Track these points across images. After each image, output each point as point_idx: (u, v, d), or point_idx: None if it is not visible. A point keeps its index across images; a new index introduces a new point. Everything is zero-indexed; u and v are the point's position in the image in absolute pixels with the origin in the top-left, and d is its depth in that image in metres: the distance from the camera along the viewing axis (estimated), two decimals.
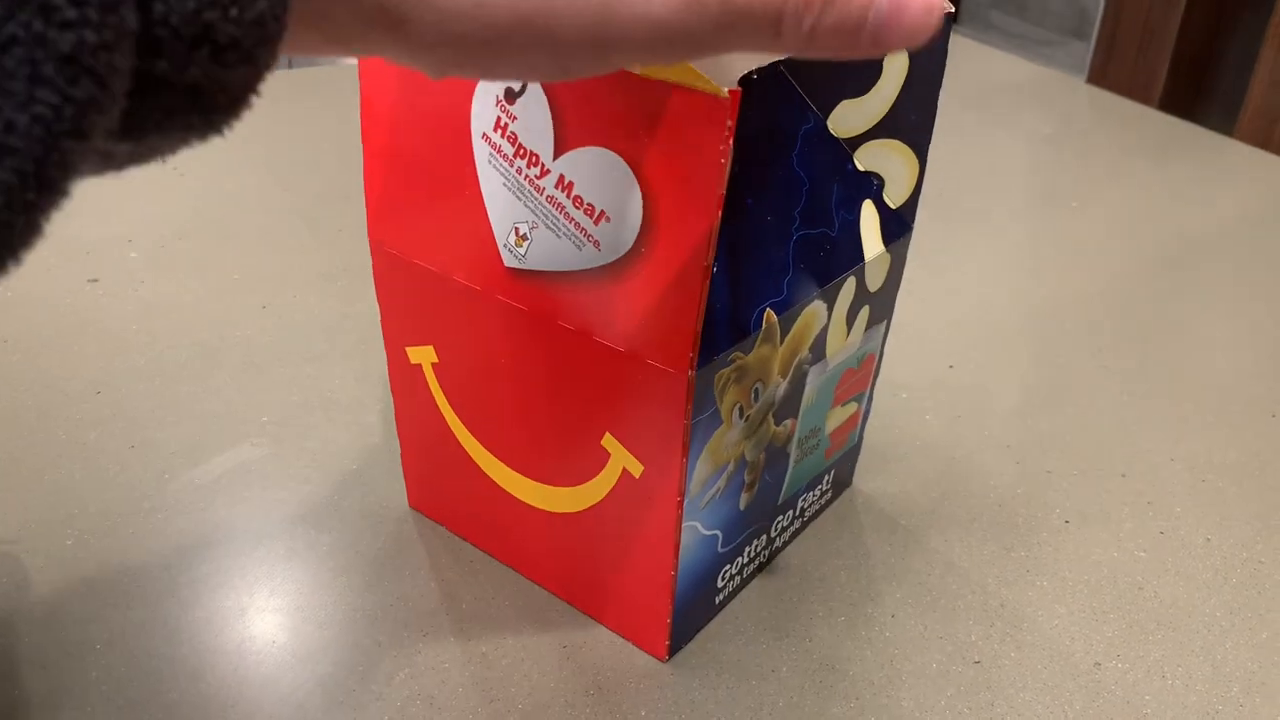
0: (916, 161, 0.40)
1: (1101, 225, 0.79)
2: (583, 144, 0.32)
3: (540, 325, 0.36)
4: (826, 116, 0.35)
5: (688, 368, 0.33)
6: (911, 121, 0.39)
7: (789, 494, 0.43)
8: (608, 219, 0.33)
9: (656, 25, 0.22)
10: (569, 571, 0.42)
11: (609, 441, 0.36)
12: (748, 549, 0.42)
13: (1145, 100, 1.58)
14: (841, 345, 0.41)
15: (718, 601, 0.42)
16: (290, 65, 2.05)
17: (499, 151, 0.34)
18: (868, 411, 0.47)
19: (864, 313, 0.41)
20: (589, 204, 0.33)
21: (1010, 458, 0.53)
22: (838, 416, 0.44)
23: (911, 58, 0.36)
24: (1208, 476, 0.52)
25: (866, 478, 0.50)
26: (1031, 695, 0.40)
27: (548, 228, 0.34)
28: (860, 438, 0.48)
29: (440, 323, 0.39)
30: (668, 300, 0.32)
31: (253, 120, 0.78)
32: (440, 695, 0.38)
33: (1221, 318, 0.67)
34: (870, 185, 0.38)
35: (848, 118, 0.36)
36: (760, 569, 0.44)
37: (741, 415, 0.36)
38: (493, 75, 0.22)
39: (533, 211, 0.34)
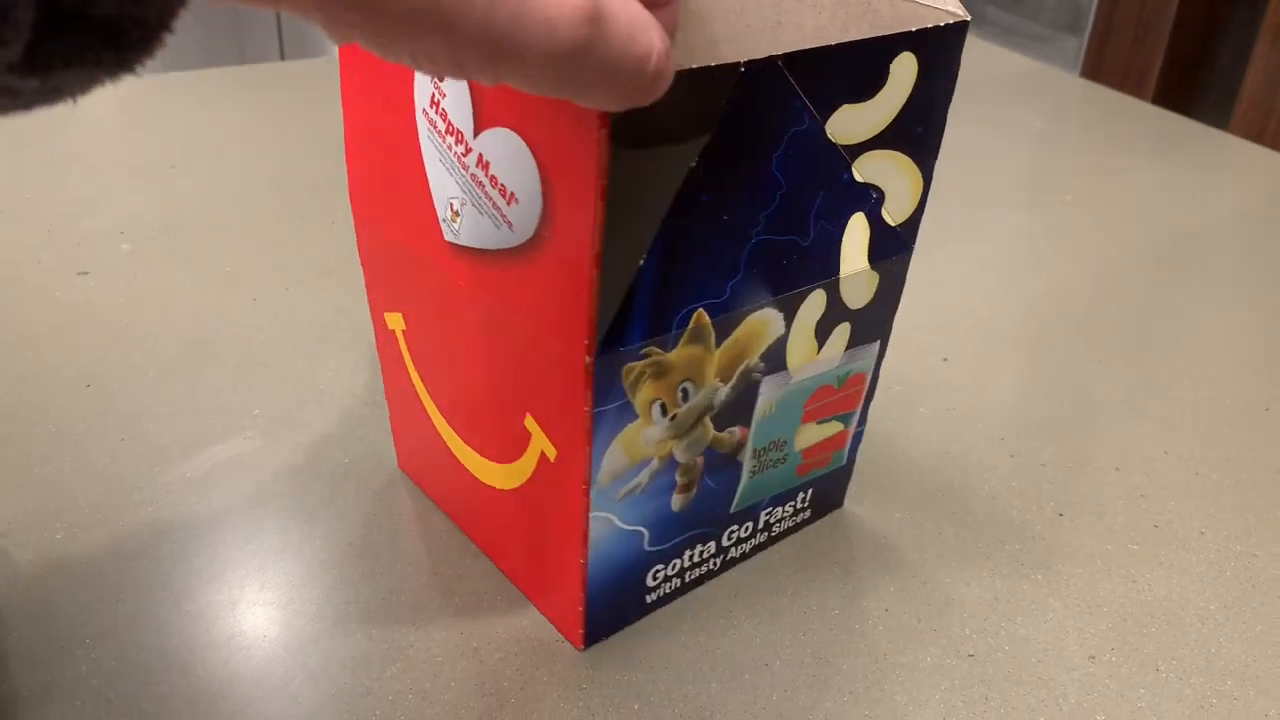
0: (920, 177, 0.38)
1: (1096, 219, 0.79)
2: (496, 124, 0.33)
3: (474, 301, 0.36)
4: (825, 120, 0.34)
5: (584, 354, 0.32)
6: (917, 134, 0.37)
7: (745, 504, 0.42)
8: (517, 201, 0.33)
9: (550, 55, 0.22)
10: (510, 549, 0.42)
11: (530, 423, 0.37)
12: (689, 553, 0.41)
13: (1139, 94, 1.59)
14: (809, 360, 0.40)
15: (649, 600, 0.41)
16: (283, 57, 2.05)
17: (434, 127, 0.35)
18: (860, 434, 0.45)
19: (842, 330, 0.40)
20: (502, 184, 0.33)
21: (1004, 450, 0.52)
22: (813, 434, 0.43)
23: (921, 67, 0.35)
24: (1202, 470, 0.52)
25: (861, 469, 0.50)
26: (1026, 689, 0.39)
27: (474, 205, 0.35)
28: (851, 459, 0.46)
29: (405, 291, 0.40)
30: (565, 286, 0.32)
31: (244, 113, 0.78)
32: (433, 689, 0.38)
33: (1216, 311, 0.67)
34: (868, 198, 0.37)
35: (849, 123, 0.35)
36: (711, 575, 0.43)
37: (665, 413, 0.36)
38: (390, 51, 0.22)
39: (462, 188, 0.35)
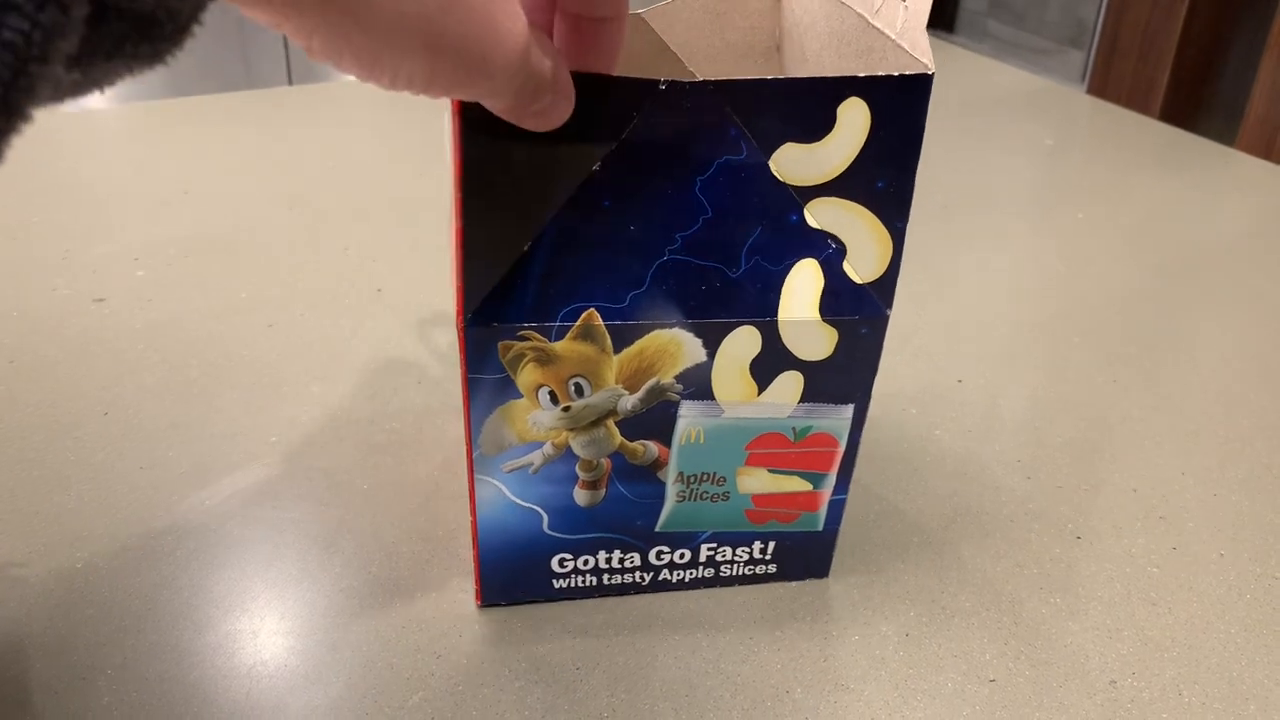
0: (889, 238, 0.37)
1: (1106, 237, 0.79)
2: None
3: None
4: (769, 155, 0.34)
5: (459, 321, 0.35)
6: (879, 190, 0.35)
7: (675, 528, 0.42)
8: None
9: (506, 71, 0.26)
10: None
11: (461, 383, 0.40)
12: (604, 554, 0.42)
13: (1145, 110, 1.59)
14: (745, 399, 0.39)
15: (558, 587, 0.43)
16: (290, 82, 2.06)
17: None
18: (840, 502, 0.43)
19: (790, 378, 0.39)
20: (452, 159, 0.37)
21: (1021, 473, 0.52)
22: (764, 481, 0.42)
23: (875, 116, 0.34)
24: (1219, 491, 0.52)
25: (878, 493, 0.50)
26: (1047, 714, 0.39)
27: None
28: (830, 528, 0.44)
29: None
30: (455, 257, 0.35)
31: (255, 138, 0.79)
32: (454, 718, 0.38)
33: (1228, 329, 0.67)
34: (822, 246, 0.36)
35: (797, 164, 0.35)
36: (637, 589, 0.44)
37: (555, 402, 0.38)
38: (374, 73, 0.24)
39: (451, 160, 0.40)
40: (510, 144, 0.32)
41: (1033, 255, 0.76)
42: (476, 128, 0.32)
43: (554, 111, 0.30)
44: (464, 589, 0.44)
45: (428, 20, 0.24)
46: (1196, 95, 2.03)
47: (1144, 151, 0.96)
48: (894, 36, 0.35)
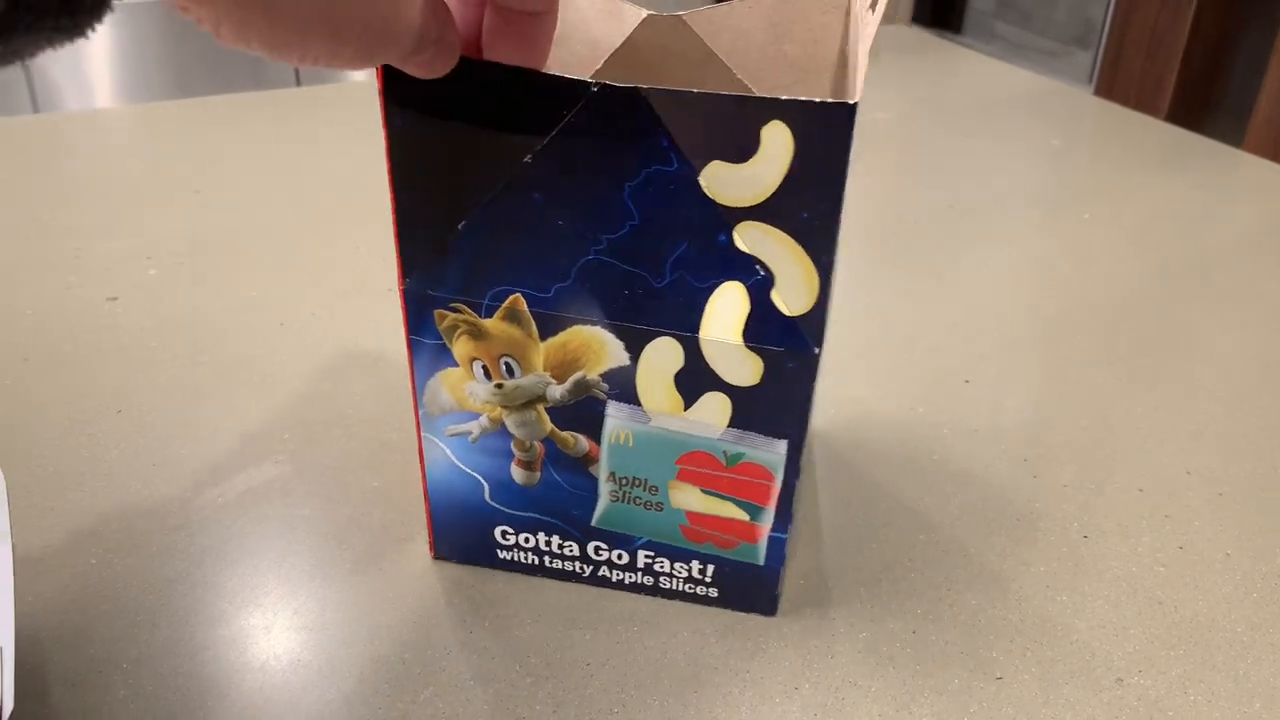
0: (815, 272, 0.35)
1: (1113, 237, 0.79)
2: None
3: None
4: (699, 170, 0.34)
5: (399, 284, 0.38)
6: (804, 221, 0.34)
7: (610, 527, 0.42)
8: None
9: (408, 43, 0.28)
10: None
11: None
12: (544, 536, 0.43)
13: (1153, 111, 1.59)
14: (671, 411, 0.39)
15: (501, 558, 0.45)
16: (299, 83, 2.06)
17: None
18: (780, 541, 0.41)
19: (716, 399, 0.38)
20: None
21: (1027, 471, 0.53)
22: (698, 501, 0.41)
23: (798, 144, 0.33)
24: (1225, 490, 0.52)
25: (889, 490, 0.50)
26: (1054, 711, 0.40)
27: None
28: (772, 564, 0.42)
29: None
30: None
31: (265, 139, 0.79)
32: (465, 713, 0.38)
33: (1234, 329, 0.67)
34: (749, 270, 0.35)
35: (725, 183, 0.34)
36: (576, 579, 0.44)
37: (489, 376, 0.39)
38: (281, 55, 0.25)
39: None
40: (439, 125, 0.34)
41: (1039, 255, 0.76)
42: (400, 105, 0.34)
43: (437, 62, 0.31)
44: (475, 586, 0.44)
45: (329, 3, 0.25)
46: (1204, 96, 2.03)
47: (1151, 152, 0.96)
48: (860, 59, 0.35)
